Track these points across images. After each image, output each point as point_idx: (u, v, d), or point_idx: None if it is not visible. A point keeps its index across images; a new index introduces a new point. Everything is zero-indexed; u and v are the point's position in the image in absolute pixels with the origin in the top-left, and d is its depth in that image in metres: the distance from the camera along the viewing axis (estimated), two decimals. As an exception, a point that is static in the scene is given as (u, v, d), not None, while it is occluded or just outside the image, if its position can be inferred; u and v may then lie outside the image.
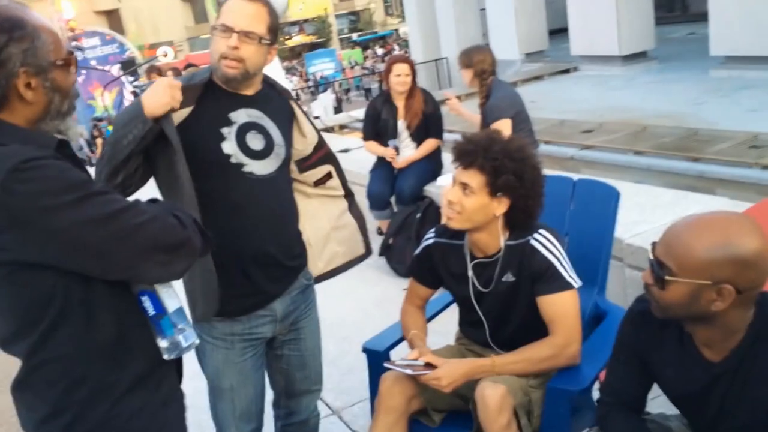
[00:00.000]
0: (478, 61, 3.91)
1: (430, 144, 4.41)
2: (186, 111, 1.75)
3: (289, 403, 2.14)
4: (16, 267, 1.12)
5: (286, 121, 1.96)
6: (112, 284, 1.22)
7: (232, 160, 1.77)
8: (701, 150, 6.36)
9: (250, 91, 1.86)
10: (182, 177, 1.67)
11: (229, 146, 1.78)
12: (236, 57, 1.74)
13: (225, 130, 1.78)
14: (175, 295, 1.36)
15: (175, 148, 1.67)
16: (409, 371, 1.87)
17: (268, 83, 1.97)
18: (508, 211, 1.92)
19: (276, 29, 1.83)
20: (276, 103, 1.94)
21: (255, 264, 1.81)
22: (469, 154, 1.88)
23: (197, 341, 1.41)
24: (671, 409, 1.62)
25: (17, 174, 1.06)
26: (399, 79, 4.30)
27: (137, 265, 1.19)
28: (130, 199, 1.29)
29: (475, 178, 1.87)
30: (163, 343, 1.35)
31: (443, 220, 4.08)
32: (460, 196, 1.90)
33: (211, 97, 1.81)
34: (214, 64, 1.78)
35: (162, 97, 1.63)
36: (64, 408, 1.20)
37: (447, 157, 3.96)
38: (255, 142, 1.82)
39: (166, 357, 1.38)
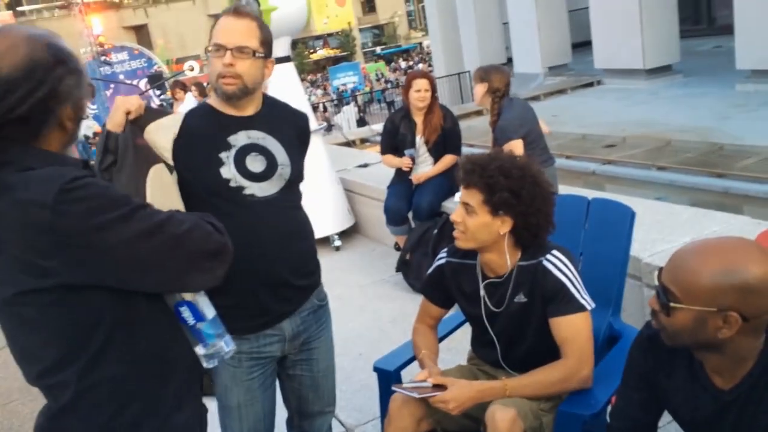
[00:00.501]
0: (495, 79, 3.87)
1: (447, 160, 4.41)
2: (175, 127, 1.76)
3: (302, 424, 2.14)
4: (63, 291, 1.10)
5: (295, 139, 1.95)
6: (151, 299, 1.23)
7: (232, 184, 1.78)
8: (726, 166, 6.28)
9: (250, 110, 1.86)
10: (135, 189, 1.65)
11: (228, 171, 1.78)
12: (233, 74, 1.75)
13: (223, 155, 1.79)
14: (210, 302, 1.38)
15: (118, 158, 1.65)
16: (415, 394, 1.86)
17: (279, 104, 1.98)
18: (515, 230, 1.91)
19: (269, 42, 1.83)
20: (283, 121, 1.93)
21: (263, 285, 1.81)
22: (468, 173, 1.89)
23: (235, 347, 1.43)
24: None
25: (66, 194, 1.06)
26: (419, 94, 4.31)
27: (186, 273, 1.21)
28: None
29: (474, 197, 1.87)
30: (203, 351, 1.37)
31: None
32: (464, 216, 1.90)
33: (209, 121, 1.82)
34: (214, 84, 1.80)
35: (117, 105, 1.67)
36: (113, 430, 1.19)
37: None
38: (255, 164, 1.82)
39: (207, 365, 1.39)
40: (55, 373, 1.16)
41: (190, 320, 1.34)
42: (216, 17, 1.84)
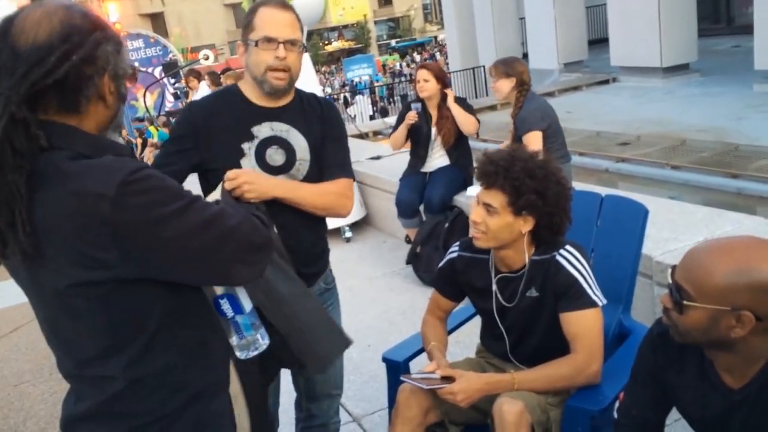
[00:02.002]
0: (520, 71, 3.84)
1: (469, 119, 4.25)
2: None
3: (309, 406, 2.16)
4: (115, 285, 1.08)
5: (320, 132, 1.92)
6: (194, 290, 1.22)
7: None
8: (741, 166, 6.22)
9: (283, 102, 1.87)
10: None
11: (248, 162, 1.79)
12: (284, 67, 1.78)
13: (246, 146, 1.80)
14: (247, 295, 1.38)
15: None
16: (424, 386, 1.87)
17: (308, 96, 1.97)
18: (537, 228, 1.91)
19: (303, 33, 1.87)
20: (311, 114, 1.91)
21: None
22: (489, 174, 1.87)
23: (269, 340, 1.43)
24: (692, 434, 1.59)
25: (128, 187, 1.04)
26: (419, 85, 4.31)
27: (233, 266, 1.19)
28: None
29: (497, 199, 1.86)
30: (240, 343, 1.37)
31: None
32: (484, 216, 1.89)
33: (237, 110, 1.83)
34: (260, 77, 1.80)
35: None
36: (157, 419, 1.18)
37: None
38: (276, 156, 1.83)
39: (243, 357, 1.39)
40: (100, 364, 1.15)
41: (229, 313, 1.34)
42: (253, 7, 1.82)
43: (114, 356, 1.14)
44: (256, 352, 1.41)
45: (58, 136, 1.09)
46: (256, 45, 1.77)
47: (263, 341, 1.40)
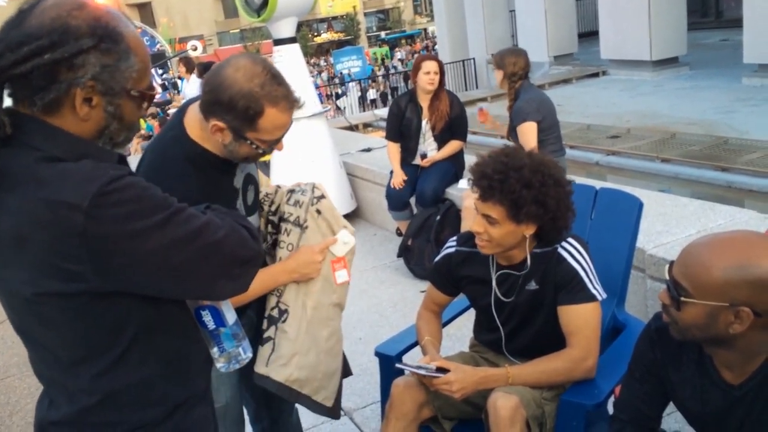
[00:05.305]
0: (509, 63, 3.90)
1: (454, 145, 4.38)
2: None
3: (271, 413, 2.11)
4: (88, 297, 1.03)
5: None
6: (174, 301, 1.18)
7: None
8: (730, 159, 6.25)
9: None
10: None
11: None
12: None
13: (238, 203, 1.69)
14: (231, 307, 1.34)
15: None
16: (422, 372, 1.86)
17: None
18: (541, 229, 1.88)
19: None
20: None
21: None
22: (484, 188, 1.82)
23: (251, 354, 1.40)
24: (687, 427, 1.58)
25: (103, 198, 0.98)
26: (428, 77, 4.26)
27: (217, 281, 1.14)
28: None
29: (495, 210, 1.82)
30: (221, 356, 1.33)
31: (463, 225, 4.06)
32: (486, 226, 1.85)
33: (215, 172, 1.63)
34: (234, 155, 1.58)
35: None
36: (134, 429, 1.15)
37: (469, 159, 3.92)
38: (250, 195, 1.76)
39: (224, 370, 1.36)
40: (72, 372, 1.11)
41: (211, 325, 1.30)
42: (256, 100, 1.47)
43: (86, 366, 1.10)
44: (237, 365, 1.38)
45: (32, 132, 1.03)
46: (256, 147, 1.55)
47: (245, 354, 1.36)
